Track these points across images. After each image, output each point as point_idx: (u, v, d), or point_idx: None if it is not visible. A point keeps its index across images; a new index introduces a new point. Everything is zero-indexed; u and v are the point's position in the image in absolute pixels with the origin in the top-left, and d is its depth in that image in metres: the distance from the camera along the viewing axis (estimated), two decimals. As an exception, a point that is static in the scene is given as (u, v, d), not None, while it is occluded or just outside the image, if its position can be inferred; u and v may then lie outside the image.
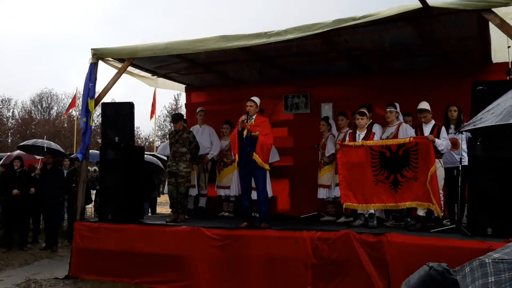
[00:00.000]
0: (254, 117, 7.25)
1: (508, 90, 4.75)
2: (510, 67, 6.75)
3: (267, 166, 7.16)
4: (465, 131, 4.82)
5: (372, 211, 6.93)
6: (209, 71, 9.72)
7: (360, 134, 7.20)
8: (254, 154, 6.95)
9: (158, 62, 8.99)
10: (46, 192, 10.09)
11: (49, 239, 10.25)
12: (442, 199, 6.75)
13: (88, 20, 61.96)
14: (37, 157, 11.22)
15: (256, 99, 7.38)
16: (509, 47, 6.76)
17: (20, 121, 40.61)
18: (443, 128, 6.92)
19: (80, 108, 9.37)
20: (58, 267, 8.43)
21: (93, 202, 12.73)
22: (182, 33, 53.22)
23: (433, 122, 7.02)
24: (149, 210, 12.42)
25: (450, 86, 8.42)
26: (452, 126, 7.24)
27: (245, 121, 7.17)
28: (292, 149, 9.84)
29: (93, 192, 12.22)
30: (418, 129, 7.05)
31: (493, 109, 3.63)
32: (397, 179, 6.63)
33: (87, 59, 8.31)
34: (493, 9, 6.01)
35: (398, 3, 6.33)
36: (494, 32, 6.79)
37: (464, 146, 6.91)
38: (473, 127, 3.78)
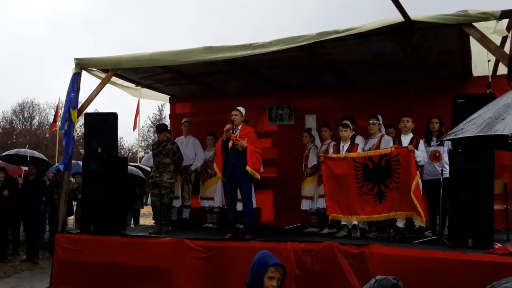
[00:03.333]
0: (239, 127, 7.26)
1: (488, 103, 4.84)
2: (490, 80, 6.88)
3: (258, 176, 7.14)
4: (446, 140, 4.87)
5: (356, 222, 6.96)
6: (194, 82, 9.73)
7: (344, 146, 7.27)
8: (247, 167, 6.94)
9: (142, 73, 8.98)
10: (28, 203, 9.96)
11: (30, 251, 10.11)
12: None
13: (68, 27, 61.50)
14: (23, 168, 11.06)
15: (241, 108, 7.39)
16: (489, 61, 6.89)
17: (1, 131, 40.10)
18: (421, 141, 7.06)
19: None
20: (39, 280, 8.33)
21: (74, 214, 12.58)
22: (164, 40, 53.27)
23: (411, 135, 7.12)
24: (132, 222, 12.32)
25: (431, 99, 8.53)
26: (434, 139, 7.34)
27: (230, 130, 7.17)
28: (276, 160, 9.87)
29: (75, 203, 12.09)
30: (397, 140, 7.14)
31: (474, 119, 3.69)
32: (381, 190, 6.70)
33: (69, 67, 8.26)
34: (474, 24, 6.13)
35: (381, 17, 6.43)
36: (475, 46, 6.92)
37: (445, 158, 7.00)
38: (454, 137, 3.84)
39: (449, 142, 6.95)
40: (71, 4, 60.74)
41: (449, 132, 3.93)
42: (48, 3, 60.92)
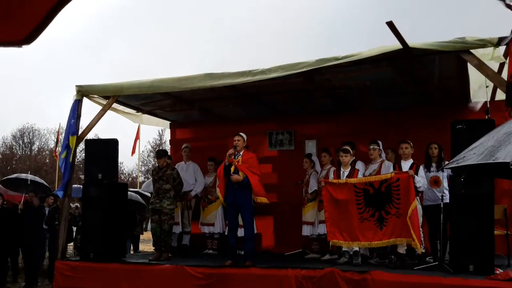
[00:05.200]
0: (241, 153, 7.29)
1: (486, 129, 4.87)
2: (488, 106, 6.92)
3: (266, 200, 7.29)
4: (448, 168, 4.92)
5: (357, 248, 6.94)
6: (194, 108, 9.79)
7: (344, 172, 7.27)
8: (259, 198, 7.10)
9: (143, 99, 9.05)
10: (28, 229, 9.91)
11: (29, 278, 10.01)
12: (422, 235, 6.83)
13: (64, 51, 61.77)
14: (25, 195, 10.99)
15: (243, 134, 7.43)
16: (487, 87, 6.95)
17: (1, 156, 40.10)
18: (421, 167, 7.07)
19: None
20: (37, 307, 8.24)
21: (73, 240, 12.49)
22: (160, 64, 53.53)
23: (411, 160, 7.14)
24: (131, 248, 12.23)
25: (430, 124, 8.57)
26: (434, 164, 7.36)
27: (233, 156, 7.20)
28: (276, 185, 9.86)
29: (74, 229, 12.02)
30: (397, 166, 7.16)
31: (475, 148, 3.73)
32: (382, 216, 6.68)
33: (67, 91, 8.38)
34: (471, 50, 6.21)
35: (379, 39, 6.54)
36: (473, 72, 6.99)
37: (445, 183, 7.02)
38: (456, 165, 3.87)
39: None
40: (66, 28, 61.16)
41: (451, 161, 3.96)
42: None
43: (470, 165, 3.60)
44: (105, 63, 58.52)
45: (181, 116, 10.64)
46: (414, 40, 6.31)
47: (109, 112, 8.59)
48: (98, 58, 59.97)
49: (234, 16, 57.57)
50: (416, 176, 6.75)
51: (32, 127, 43.74)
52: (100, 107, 8.50)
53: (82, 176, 14.36)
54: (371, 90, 8.12)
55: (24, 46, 1.70)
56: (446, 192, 6.93)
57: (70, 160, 8.12)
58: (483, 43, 6.07)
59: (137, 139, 21.92)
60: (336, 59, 6.66)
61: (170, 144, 11.43)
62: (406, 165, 7.10)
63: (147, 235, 15.08)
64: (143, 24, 60.55)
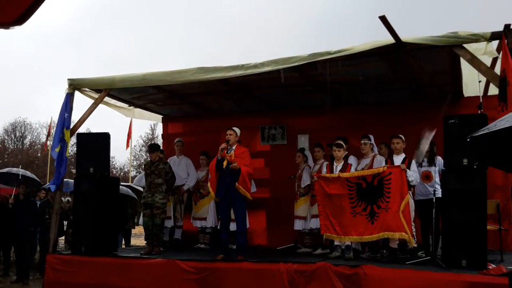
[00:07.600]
0: (234, 147, 7.26)
1: (479, 124, 4.85)
2: (481, 101, 6.93)
3: (249, 196, 7.14)
4: (477, 136, 4.65)
5: (349, 243, 6.94)
6: (187, 102, 9.75)
7: (337, 166, 7.27)
8: (237, 184, 6.94)
9: (135, 93, 8.99)
10: (19, 223, 9.86)
11: (20, 272, 9.97)
12: (414, 230, 6.84)
13: (51, 43, 61.40)
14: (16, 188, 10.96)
15: (236, 128, 7.39)
16: (480, 81, 6.95)
17: (-8, 150, 39.81)
18: (413, 162, 7.06)
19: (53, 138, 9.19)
20: (28, 302, 8.19)
21: (64, 234, 12.44)
22: (152, 58, 53.40)
23: (403, 155, 7.14)
24: (123, 242, 12.20)
25: (423, 119, 8.56)
26: (425, 159, 7.36)
27: (225, 150, 7.17)
28: (268, 180, 9.85)
29: (65, 223, 11.97)
30: (389, 160, 7.16)
31: (504, 120, 3.73)
32: (374, 211, 6.69)
33: (56, 84, 8.35)
34: (464, 45, 6.20)
35: (374, 34, 6.53)
36: (465, 67, 6.99)
37: (437, 178, 7.03)
38: (488, 131, 3.82)
39: (441, 163, 6.99)
40: (56, 20, 60.73)
41: (482, 129, 3.90)
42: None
43: (505, 129, 3.54)
44: (96, 57, 58.34)
45: (174, 110, 10.59)
46: (407, 34, 6.30)
47: (99, 106, 8.53)
48: (89, 51, 59.75)
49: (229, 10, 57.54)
50: (408, 170, 6.76)
51: (24, 121, 43.59)
52: (91, 101, 8.43)
53: (74, 170, 14.27)
54: (363, 85, 8.10)
55: (15, 27, 1.66)
56: (438, 186, 6.94)
57: (67, 154, 8.07)
58: (476, 38, 6.07)
59: (130, 134, 21.85)
60: (329, 53, 6.64)
61: (162, 138, 11.38)
62: (398, 159, 7.10)
63: (139, 229, 15.05)
64: (134, 17, 60.45)
